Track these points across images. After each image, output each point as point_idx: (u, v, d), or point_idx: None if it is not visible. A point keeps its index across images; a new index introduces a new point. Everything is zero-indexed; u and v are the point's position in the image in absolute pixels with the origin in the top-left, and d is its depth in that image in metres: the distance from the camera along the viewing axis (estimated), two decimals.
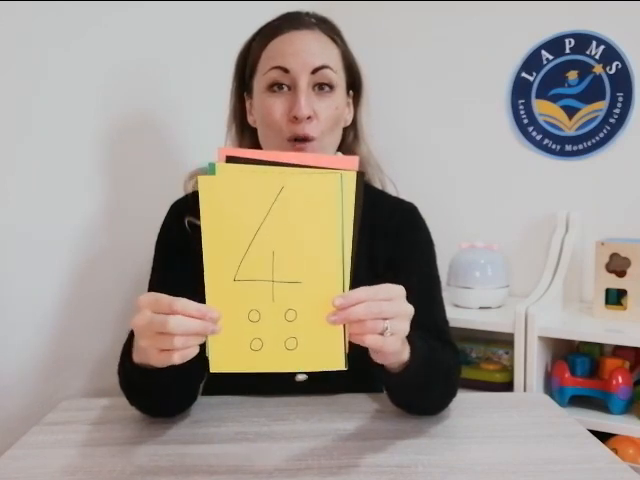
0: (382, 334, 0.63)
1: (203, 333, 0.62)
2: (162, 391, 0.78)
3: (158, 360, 0.64)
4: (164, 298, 0.62)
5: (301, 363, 0.64)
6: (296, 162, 0.64)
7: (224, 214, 0.62)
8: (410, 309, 0.67)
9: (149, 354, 0.64)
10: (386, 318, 0.63)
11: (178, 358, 0.61)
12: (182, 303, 0.61)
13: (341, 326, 0.63)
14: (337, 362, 0.63)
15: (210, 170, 0.63)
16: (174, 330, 0.60)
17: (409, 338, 0.72)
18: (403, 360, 0.72)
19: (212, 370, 0.64)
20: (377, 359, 0.70)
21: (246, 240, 0.63)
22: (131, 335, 0.74)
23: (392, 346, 0.65)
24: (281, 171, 0.63)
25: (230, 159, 0.64)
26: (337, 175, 0.62)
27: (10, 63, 0.97)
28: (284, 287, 0.63)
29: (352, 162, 0.65)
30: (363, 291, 0.63)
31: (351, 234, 0.63)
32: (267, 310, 0.63)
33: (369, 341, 0.63)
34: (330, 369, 0.64)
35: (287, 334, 0.63)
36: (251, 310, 0.63)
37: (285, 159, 0.65)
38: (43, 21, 1.01)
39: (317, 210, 0.63)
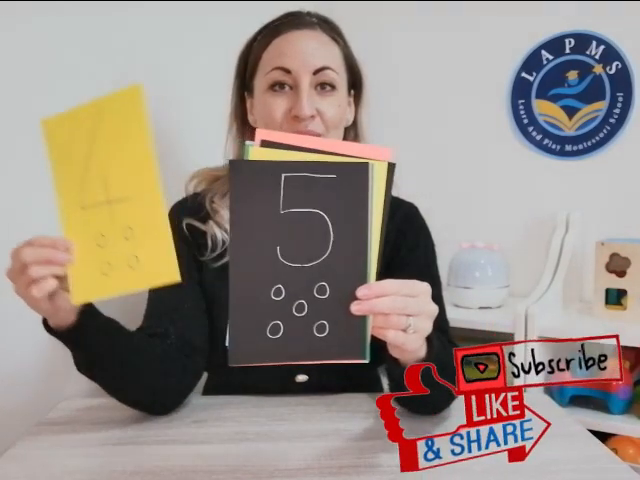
0: (405, 331, 0.63)
1: (54, 261, 0.63)
2: (107, 363, 0.76)
3: (28, 300, 0.65)
4: (29, 238, 0.64)
5: (144, 281, 0.63)
6: (333, 150, 0.64)
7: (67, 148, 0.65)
8: (434, 308, 0.67)
9: (23, 299, 0.66)
10: (410, 315, 0.63)
11: (36, 290, 0.62)
12: (38, 237, 0.64)
13: None
14: (172, 274, 0.60)
15: (245, 151, 0.63)
16: (27, 259, 0.62)
17: (427, 335, 0.73)
18: (420, 356, 0.72)
19: (74, 302, 0.65)
20: (394, 353, 0.70)
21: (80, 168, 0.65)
22: None
23: (413, 344, 0.65)
24: (311, 157, 0.63)
25: (266, 143, 0.64)
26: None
27: (10, 64, 0.97)
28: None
29: (386, 153, 0.64)
30: (388, 284, 0.63)
31: (380, 224, 0.63)
32: (109, 232, 0.63)
33: (391, 336, 0.63)
34: (167, 282, 0.60)
35: (128, 253, 0.62)
36: (98, 235, 0.64)
37: (321, 146, 0.64)
38: (43, 21, 1.01)
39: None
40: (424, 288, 0.66)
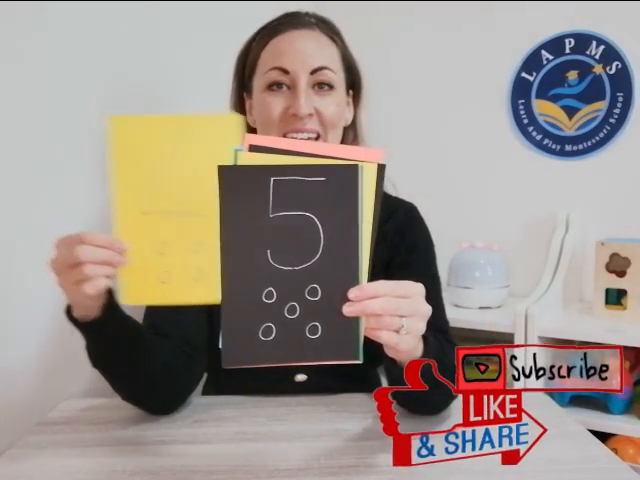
0: (398, 332, 0.63)
1: (110, 263, 0.63)
2: (120, 358, 0.76)
3: (74, 294, 0.66)
4: (77, 233, 0.64)
5: (205, 296, 0.64)
6: (322, 152, 0.64)
7: (136, 153, 0.65)
8: (428, 309, 0.67)
9: (67, 292, 0.66)
10: (403, 316, 0.63)
11: (89, 287, 0.63)
12: (90, 234, 0.63)
13: None
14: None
15: (234, 156, 0.64)
16: (82, 258, 0.62)
17: (423, 335, 0.73)
18: (416, 356, 0.72)
19: (123, 302, 0.65)
20: (389, 353, 0.70)
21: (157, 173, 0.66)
22: None
23: (406, 345, 0.65)
24: (300, 161, 0.63)
25: (254, 148, 0.64)
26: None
27: (10, 65, 0.97)
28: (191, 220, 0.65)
29: (378, 154, 0.64)
30: (380, 285, 0.63)
31: (371, 225, 0.63)
32: (175, 242, 0.64)
33: (384, 337, 0.63)
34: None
35: (195, 266, 0.64)
36: (158, 243, 0.65)
37: (310, 149, 0.64)
38: (43, 22, 1.01)
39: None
40: (417, 289, 0.66)
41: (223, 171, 0.62)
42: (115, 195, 0.66)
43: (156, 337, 0.82)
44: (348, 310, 0.62)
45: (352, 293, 0.61)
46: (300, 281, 0.62)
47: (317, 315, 0.62)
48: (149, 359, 0.79)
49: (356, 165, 0.62)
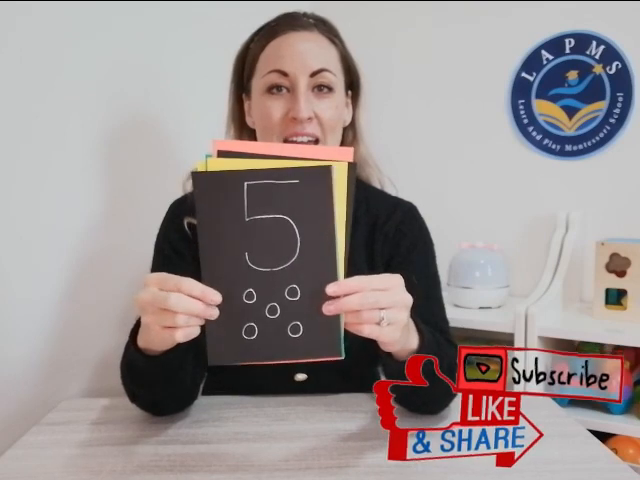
0: (379, 324, 0.64)
1: (203, 315, 0.63)
2: (164, 380, 0.78)
3: (161, 337, 0.65)
4: (173, 277, 0.63)
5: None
6: (290, 154, 0.65)
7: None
8: (408, 299, 0.67)
9: (152, 331, 0.66)
10: (382, 308, 0.63)
11: (181, 336, 0.63)
12: (189, 283, 0.62)
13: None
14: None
15: (205, 162, 0.64)
16: (174, 307, 0.61)
17: (419, 327, 0.73)
18: (411, 348, 0.72)
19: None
20: (382, 347, 0.70)
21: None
22: (138, 321, 0.74)
23: (389, 336, 0.66)
24: (271, 164, 0.64)
25: (222, 154, 0.65)
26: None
27: (10, 66, 0.97)
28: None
29: (347, 153, 0.66)
30: (357, 280, 0.64)
31: (344, 224, 0.64)
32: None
33: (366, 331, 0.64)
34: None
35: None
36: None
37: (279, 151, 0.65)
38: (43, 22, 1.01)
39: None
40: (396, 280, 0.66)
41: (196, 177, 0.63)
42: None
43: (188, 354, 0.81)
44: (327, 309, 0.63)
45: (330, 288, 0.63)
46: (279, 282, 0.64)
47: (298, 314, 0.64)
48: (178, 377, 0.80)
49: (328, 166, 0.63)
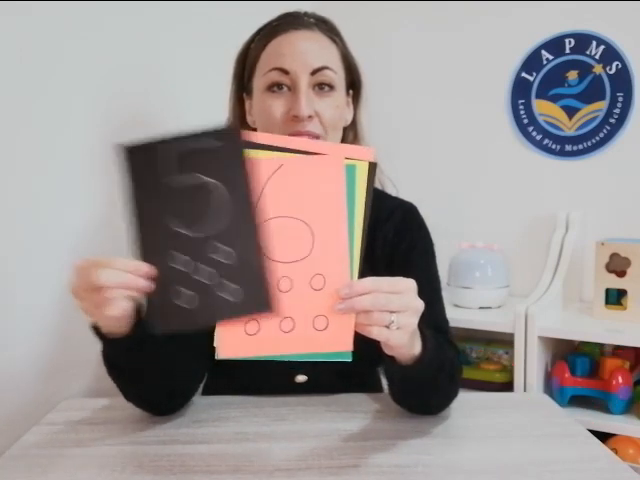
0: (388, 327, 0.63)
1: (134, 287, 0.63)
2: (138, 370, 0.77)
3: (97, 317, 0.67)
4: (103, 257, 0.64)
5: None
6: (309, 149, 0.64)
7: None
8: (420, 304, 0.67)
9: (90, 315, 0.67)
10: (393, 311, 0.63)
11: (110, 310, 0.63)
12: (119, 259, 0.63)
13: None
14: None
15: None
16: (106, 282, 0.62)
17: (422, 332, 0.72)
18: (414, 354, 0.72)
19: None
20: (386, 351, 0.70)
21: None
22: None
23: (398, 340, 0.65)
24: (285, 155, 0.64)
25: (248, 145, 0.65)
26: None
27: (10, 66, 0.97)
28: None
29: (368, 152, 0.65)
30: (369, 281, 0.63)
31: (361, 223, 0.63)
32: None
33: (375, 333, 0.63)
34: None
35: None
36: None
37: (298, 146, 0.65)
38: (43, 22, 1.01)
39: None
40: (408, 284, 0.66)
41: (117, 149, 0.64)
42: None
43: (171, 344, 0.82)
44: (339, 308, 0.62)
45: (343, 291, 0.62)
46: (209, 245, 0.63)
47: (230, 276, 0.63)
48: (163, 367, 0.79)
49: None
